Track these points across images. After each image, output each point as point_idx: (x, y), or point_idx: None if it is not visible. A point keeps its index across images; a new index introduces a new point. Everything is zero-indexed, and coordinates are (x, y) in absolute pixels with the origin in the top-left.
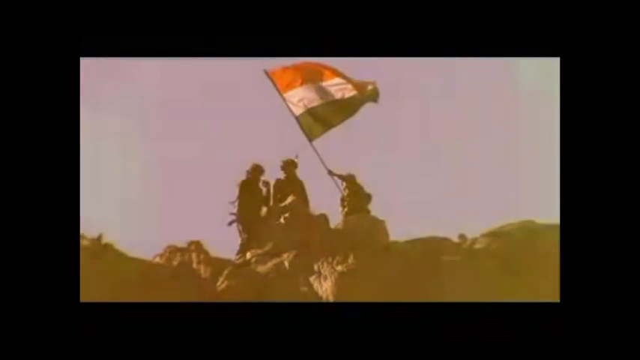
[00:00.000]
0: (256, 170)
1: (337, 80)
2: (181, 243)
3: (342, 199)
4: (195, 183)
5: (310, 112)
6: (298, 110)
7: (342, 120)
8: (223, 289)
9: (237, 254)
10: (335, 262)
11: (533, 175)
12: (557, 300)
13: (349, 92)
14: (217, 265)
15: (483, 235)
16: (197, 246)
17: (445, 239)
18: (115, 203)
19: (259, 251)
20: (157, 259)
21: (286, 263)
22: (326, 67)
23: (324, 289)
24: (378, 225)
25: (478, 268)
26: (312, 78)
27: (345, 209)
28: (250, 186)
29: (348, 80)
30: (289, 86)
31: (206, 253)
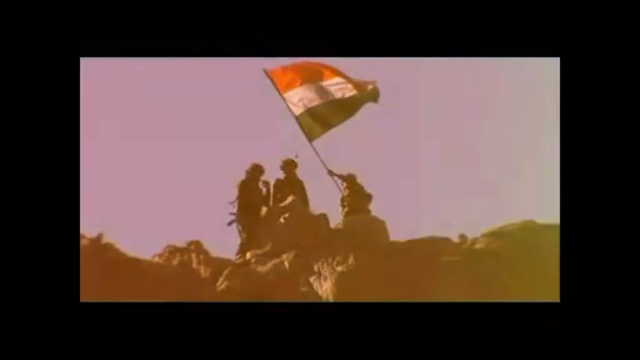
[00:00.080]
0: (256, 170)
1: (337, 80)
2: (181, 243)
3: (342, 199)
4: (194, 183)
5: (310, 111)
6: (298, 110)
7: (343, 120)
8: (223, 290)
9: (237, 254)
10: (335, 262)
11: (534, 175)
12: (557, 300)
13: (349, 92)
14: (217, 265)
15: (484, 236)
16: (197, 246)
17: (445, 239)
18: (114, 203)
19: (259, 251)
20: (157, 259)
21: (286, 263)
22: (326, 67)
23: (324, 289)
24: (379, 225)
25: (478, 268)
26: (312, 77)
27: (345, 209)
28: (250, 186)
29: (348, 80)
30: (289, 86)
31: (206, 253)
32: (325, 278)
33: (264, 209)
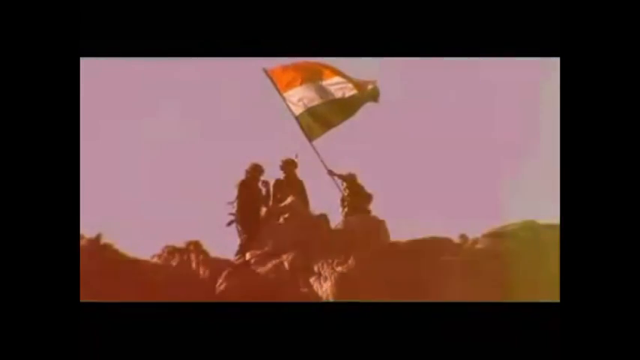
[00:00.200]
0: (255, 170)
1: (337, 79)
2: (180, 243)
3: (343, 199)
4: (194, 183)
5: (310, 111)
6: (298, 110)
7: (343, 119)
8: (222, 290)
9: (237, 255)
10: (335, 262)
11: (534, 175)
12: (557, 300)
13: (349, 91)
14: (216, 265)
15: (484, 236)
16: (196, 246)
17: (446, 239)
18: (113, 203)
19: (259, 252)
20: (155, 260)
21: (286, 264)
22: (326, 66)
23: (324, 289)
24: (379, 225)
25: (479, 268)
26: (312, 77)
27: (346, 209)
28: (249, 186)
29: (349, 79)
30: (289, 85)
31: (205, 253)
32: (325, 279)
33: (263, 209)
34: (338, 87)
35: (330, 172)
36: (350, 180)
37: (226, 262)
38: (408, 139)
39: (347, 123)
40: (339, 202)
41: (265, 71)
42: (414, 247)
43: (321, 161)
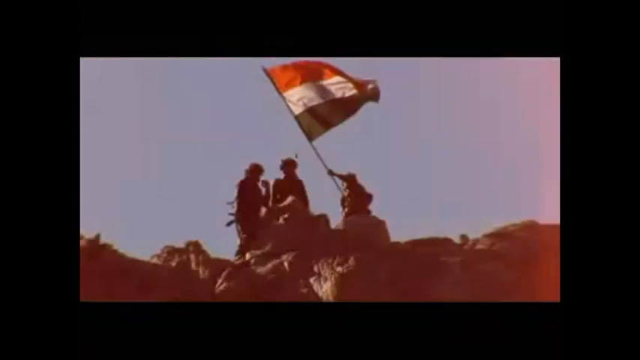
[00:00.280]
0: (255, 170)
1: (337, 79)
2: (180, 243)
3: (343, 200)
4: (193, 183)
5: (310, 111)
6: (297, 109)
7: (342, 119)
8: (222, 290)
9: (236, 255)
10: (335, 263)
11: (534, 175)
12: (558, 300)
13: (349, 91)
14: (216, 265)
15: (485, 236)
16: (195, 246)
17: (447, 240)
18: (113, 203)
19: (258, 252)
20: (155, 260)
21: (286, 264)
22: (326, 66)
23: (324, 290)
24: (379, 226)
25: (480, 269)
26: (312, 76)
27: (346, 209)
28: (249, 186)
29: (349, 79)
30: (289, 85)
31: (205, 253)
32: (325, 279)
33: (263, 209)
34: (338, 87)
35: (330, 172)
36: (350, 180)
37: (226, 263)
38: (408, 139)
39: (347, 123)
40: (339, 202)
41: (265, 71)
42: (414, 247)
43: (321, 161)
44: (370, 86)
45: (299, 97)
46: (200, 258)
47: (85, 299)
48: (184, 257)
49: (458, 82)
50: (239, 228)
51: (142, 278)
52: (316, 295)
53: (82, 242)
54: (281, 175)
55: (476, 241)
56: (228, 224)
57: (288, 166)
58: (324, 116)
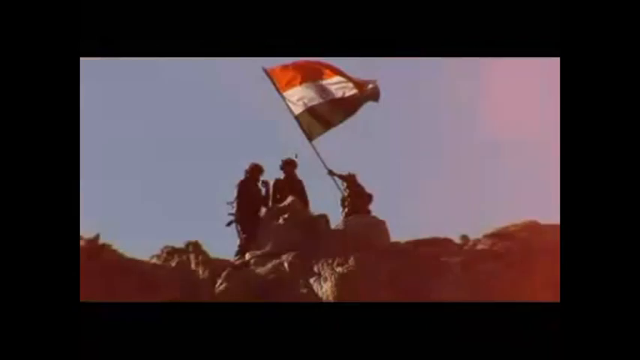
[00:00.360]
0: (255, 170)
1: (337, 78)
2: (179, 243)
3: (343, 200)
4: (193, 183)
5: (310, 111)
6: (297, 109)
7: (342, 119)
8: (222, 291)
9: (236, 255)
10: (335, 263)
11: (534, 175)
12: (558, 300)
13: (350, 91)
14: (216, 266)
15: (486, 236)
16: (195, 247)
17: (447, 240)
18: (113, 203)
19: (258, 252)
20: (155, 260)
21: (286, 264)
22: (326, 66)
23: (324, 290)
24: (379, 226)
25: (480, 269)
26: (312, 76)
27: (346, 209)
28: (249, 186)
29: (349, 79)
30: (289, 85)
31: (204, 253)
32: (325, 279)
33: (263, 209)
34: (338, 86)
35: (330, 172)
36: (350, 180)
37: (226, 263)
38: (408, 139)
39: (347, 123)
40: (339, 202)
41: (265, 70)
42: (414, 247)
43: (321, 161)
44: (370, 86)
45: (299, 96)
46: (200, 258)
47: (85, 299)
48: (184, 257)
49: (458, 82)
50: (239, 228)
51: (141, 278)
52: (316, 295)
53: (82, 242)
54: (281, 175)
55: (476, 241)
56: (228, 224)
57: (288, 166)
58: (324, 116)
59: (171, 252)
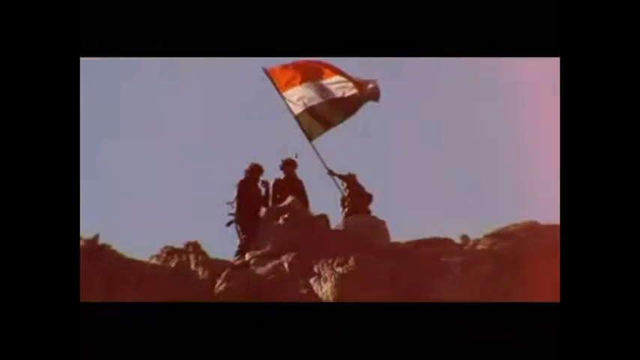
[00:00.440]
0: (255, 170)
1: (337, 78)
2: (179, 244)
3: (343, 200)
4: (193, 183)
5: (310, 110)
6: (297, 109)
7: (343, 119)
8: (222, 291)
9: (236, 255)
10: (335, 263)
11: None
12: (558, 300)
13: (350, 91)
14: (215, 266)
15: (486, 236)
16: (195, 247)
17: (447, 240)
18: (112, 203)
19: (258, 252)
20: (154, 260)
21: (286, 265)
22: (326, 65)
23: (324, 290)
24: (379, 226)
25: (481, 269)
26: (312, 76)
27: (346, 210)
28: (249, 186)
29: (349, 78)
30: (289, 84)
31: (204, 254)
32: (325, 280)
33: (263, 210)
34: (338, 86)
35: (330, 172)
36: (350, 180)
37: (225, 263)
38: (408, 139)
39: (347, 123)
40: (339, 202)
41: (265, 70)
42: (414, 247)
43: (321, 161)
44: (370, 86)
45: (299, 96)
46: (199, 258)
47: (84, 299)
48: (184, 258)
49: (458, 82)
50: (239, 228)
51: (141, 279)
52: (316, 295)
53: (81, 243)
54: (281, 175)
55: (477, 242)
56: (228, 224)
57: (288, 166)
58: (324, 116)
59: (171, 252)
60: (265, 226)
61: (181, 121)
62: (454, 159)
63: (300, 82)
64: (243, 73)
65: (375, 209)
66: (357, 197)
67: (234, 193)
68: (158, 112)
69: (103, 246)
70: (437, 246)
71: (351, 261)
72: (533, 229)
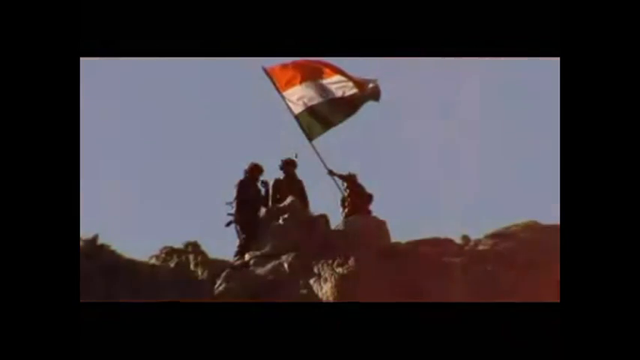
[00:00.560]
0: (255, 170)
1: (338, 78)
2: (178, 244)
3: (343, 200)
4: (192, 183)
5: (310, 110)
6: (297, 109)
7: (343, 119)
8: (221, 291)
9: (236, 255)
10: (335, 263)
11: (535, 175)
12: (558, 300)
13: (350, 90)
14: (215, 266)
15: (487, 236)
16: (194, 247)
17: (448, 240)
18: (111, 203)
19: (258, 253)
20: (154, 261)
21: (285, 265)
22: (326, 65)
23: (324, 291)
24: (379, 226)
25: (481, 269)
26: (312, 75)
27: (346, 210)
28: (249, 186)
29: (349, 78)
30: (288, 84)
31: (204, 254)
32: (325, 280)
33: (262, 209)
34: (338, 85)
35: (330, 172)
36: (350, 180)
37: (225, 263)
38: (408, 139)
39: (347, 123)
40: (339, 202)
41: (264, 70)
42: (414, 247)
43: (321, 161)
44: (370, 85)
45: (299, 96)
46: (199, 258)
47: (85, 299)
48: (183, 258)
49: (458, 82)
50: (238, 228)
51: (140, 279)
52: (316, 295)
53: (80, 243)
54: (281, 175)
55: (477, 242)
56: (228, 224)
57: (288, 166)
58: (324, 115)
59: (170, 252)
60: (265, 226)
61: (181, 121)
62: (454, 159)
63: (300, 82)
64: (243, 73)
65: (375, 209)
66: (357, 197)
67: (234, 193)
68: (158, 112)
69: (103, 246)
70: (437, 246)
71: (351, 261)
72: (533, 229)
